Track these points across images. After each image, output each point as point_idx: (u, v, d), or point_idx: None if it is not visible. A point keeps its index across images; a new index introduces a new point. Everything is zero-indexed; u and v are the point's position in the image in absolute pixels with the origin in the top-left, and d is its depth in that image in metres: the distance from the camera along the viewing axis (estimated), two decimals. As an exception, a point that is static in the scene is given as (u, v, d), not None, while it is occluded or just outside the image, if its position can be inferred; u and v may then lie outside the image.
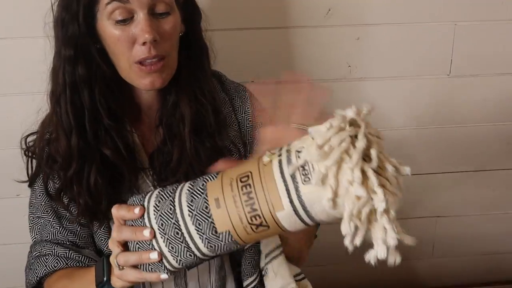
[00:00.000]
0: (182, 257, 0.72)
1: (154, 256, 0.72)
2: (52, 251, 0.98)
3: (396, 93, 1.39)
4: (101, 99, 0.92)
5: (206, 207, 0.69)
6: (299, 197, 0.65)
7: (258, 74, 1.30)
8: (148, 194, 0.75)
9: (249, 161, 0.71)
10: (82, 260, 0.98)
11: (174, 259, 0.73)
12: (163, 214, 0.72)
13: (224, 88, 1.07)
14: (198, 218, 0.70)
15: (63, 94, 0.90)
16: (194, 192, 0.71)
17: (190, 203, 0.70)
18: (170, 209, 0.72)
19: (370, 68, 1.36)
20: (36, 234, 1.02)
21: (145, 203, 0.74)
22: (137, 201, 0.76)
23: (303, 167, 0.64)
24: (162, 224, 0.72)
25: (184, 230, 0.71)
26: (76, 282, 0.92)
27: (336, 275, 1.60)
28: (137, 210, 0.73)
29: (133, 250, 0.76)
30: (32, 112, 1.00)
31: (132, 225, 0.75)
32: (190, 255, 0.72)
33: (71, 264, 0.97)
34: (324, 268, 1.55)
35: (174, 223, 0.71)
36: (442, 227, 1.57)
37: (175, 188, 0.74)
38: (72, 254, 0.97)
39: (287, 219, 0.66)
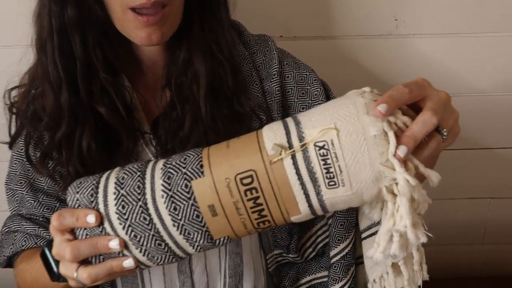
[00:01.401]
0: (164, 261, 0.63)
1: (129, 264, 0.62)
2: (20, 227, 0.88)
3: (453, 54, 1.20)
4: (95, 48, 0.78)
5: (198, 216, 0.58)
6: (320, 201, 0.57)
7: (289, 28, 1.16)
8: (100, 190, 0.62)
9: (245, 145, 0.59)
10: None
11: (153, 263, 0.63)
12: (136, 225, 0.60)
13: (243, 40, 0.92)
14: (188, 228, 0.59)
15: (50, 40, 0.77)
16: (177, 197, 0.59)
17: (173, 211, 0.59)
18: (145, 218, 0.60)
19: (421, 23, 1.17)
20: (15, 207, 0.91)
21: (100, 206, 0.61)
22: (84, 198, 0.62)
23: (327, 168, 0.55)
24: (135, 236, 0.60)
25: (169, 241, 0.60)
26: (34, 269, 0.81)
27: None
28: (91, 218, 0.61)
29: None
30: (13, 62, 0.87)
31: (87, 235, 0.63)
32: (176, 260, 0.63)
33: (41, 243, 0.86)
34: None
35: (153, 235, 0.60)
36: (496, 210, 1.40)
37: (140, 186, 0.61)
38: (42, 232, 0.86)
39: (301, 219, 0.60)
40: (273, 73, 0.89)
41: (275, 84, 0.89)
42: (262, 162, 0.57)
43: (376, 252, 0.58)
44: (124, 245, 0.61)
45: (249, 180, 0.57)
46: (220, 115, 0.83)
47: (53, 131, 0.80)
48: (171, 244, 0.61)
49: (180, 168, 0.60)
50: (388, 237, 0.57)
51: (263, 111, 0.88)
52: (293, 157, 0.56)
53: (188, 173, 0.59)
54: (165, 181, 0.60)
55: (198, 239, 0.60)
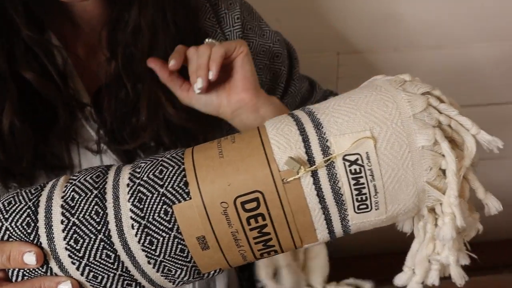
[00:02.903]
0: None
1: None
2: None
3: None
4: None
5: (183, 250, 0.45)
6: (345, 227, 0.46)
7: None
8: (41, 217, 0.46)
9: (247, 154, 0.45)
10: None
11: None
12: (97, 264, 0.45)
13: None
14: (168, 265, 0.45)
15: None
16: (153, 227, 0.44)
17: (148, 246, 0.44)
18: (109, 256, 0.45)
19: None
20: None
21: (43, 240, 0.46)
22: (18, 229, 0.46)
23: (359, 189, 0.43)
24: (95, 277, 0.45)
25: (142, 280, 0.47)
26: None
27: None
28: (30, 258, 0.45)
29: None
30: None
31: (26, 276, 0.47)
32: None
33: None
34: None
35: (121, 275, 0.45)
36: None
37: (100, 212, 0.45)
38: None
39: (316, 245, 0.49)
40: (238, 33, 0.75)
41: None
42: (272, 181, 0.43)
43: (412, 282, 0.48)
44: (80, 287, 0.46)
45: (253, 204, 0.43)
46: None
47: None
48: (144, 283, 0.47)
49: (156, 186, 0.45)
50: (427, 264, 0.47)
51: None
52: (314, 174, 0.43)
53: (168, 195, 0.44)
54: (135, 206, 0.44)
55: (182, 276, 0.47)
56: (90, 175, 0.47)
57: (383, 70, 1.08)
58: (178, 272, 0.46)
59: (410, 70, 1.09)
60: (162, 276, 0.46)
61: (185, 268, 0.45)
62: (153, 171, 0.45)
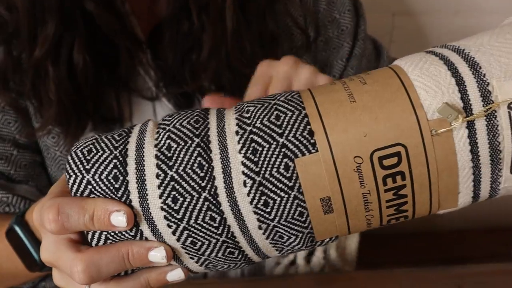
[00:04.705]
0: (227, 269, 0.42)
1: (177, 276, 0.40)
2: None
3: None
4: None
5: (301, 214, 0.36)
6: (493, 190, 0.38)
7: None
8: (131, 169, 0.38)
9: (385, 99, 0.36)
10: (13, 202, 0.64)
11: (210, 271, 0.42)
12: (198, 228, 0.37)
13: None
14: (282, 231, 0.38)
15: None
16: (270, 185, 0.36)
17: (262, 208, 0.36)
18: (213, 218, 0.37)
19: None
20: None
21: (133, 197, 0.37)
22: (103, 183, 0.38)
23: None
24: (194, 243, 0.37)
25: (247, 248, 0.39)
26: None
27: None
28: (119, 219, 0.36)
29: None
30: None
31: (110, 240, 0.38)
32: (245, 265, 0.42)
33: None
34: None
35: (224, 241, 0.38)
36: None
37: (204, 164, 0.36)
38: None
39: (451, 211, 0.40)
40: None
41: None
42: (419, 132, 0.35)
43: None
44: (173, 254, 0.38)
45: (394, 160, 0.35)
46: (248, 34, 0.61)
47: (28, 43, 0.56)
48: (249, 251, 0.39)
49: (273, 135, 0.36)
50: None
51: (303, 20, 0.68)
52: (470, 125, 0.35)
53: (290, 146, 0.36)
54: (248, 158, 0.36)
55: (294, 244, 0.39)
56: (187, 119, 0.38)
57: (442, 35, 1.01)
58: (291, 240, 0.38)
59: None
60: (271, 243, 0.38)
61: (300, 235, 0.38)
62: (267, 117, 0.37)
